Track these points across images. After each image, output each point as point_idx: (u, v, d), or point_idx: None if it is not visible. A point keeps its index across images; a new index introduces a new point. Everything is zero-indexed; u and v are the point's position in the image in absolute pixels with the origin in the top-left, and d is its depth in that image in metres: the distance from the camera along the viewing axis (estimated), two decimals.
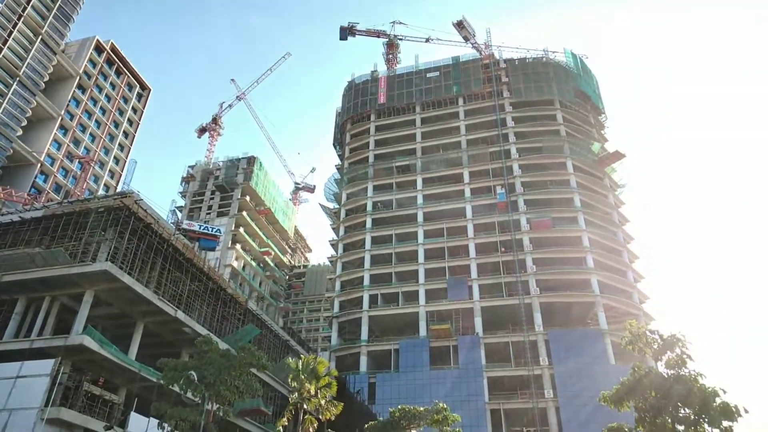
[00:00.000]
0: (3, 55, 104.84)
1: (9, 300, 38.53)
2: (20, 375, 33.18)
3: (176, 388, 26.70)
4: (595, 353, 62.17)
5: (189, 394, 26.69)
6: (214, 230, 73.92)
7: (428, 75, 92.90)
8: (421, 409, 35.21)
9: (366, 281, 76.96)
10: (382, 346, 71.42)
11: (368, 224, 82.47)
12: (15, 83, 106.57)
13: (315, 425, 36.32)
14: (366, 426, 34.49)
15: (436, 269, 75.23)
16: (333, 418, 34.76)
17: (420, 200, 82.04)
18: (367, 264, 78.64)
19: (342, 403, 35.37)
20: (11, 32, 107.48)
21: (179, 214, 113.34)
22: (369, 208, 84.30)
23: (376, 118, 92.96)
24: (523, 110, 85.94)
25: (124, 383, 38.64)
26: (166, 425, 24.82)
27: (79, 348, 34.20)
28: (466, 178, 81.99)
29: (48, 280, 36.59)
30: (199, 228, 72.30)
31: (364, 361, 70.08)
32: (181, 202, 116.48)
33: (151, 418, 33.64)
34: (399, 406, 36.03)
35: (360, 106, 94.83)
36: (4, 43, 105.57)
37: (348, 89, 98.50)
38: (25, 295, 37.94)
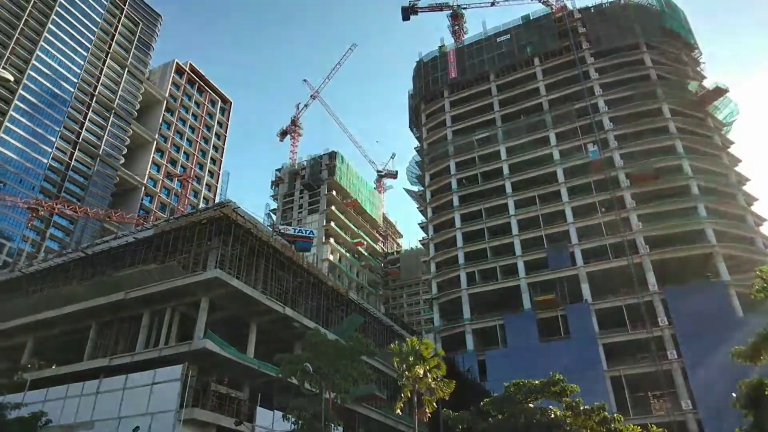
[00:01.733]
0: (98, 92, 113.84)
1: (135, 315, 41.84)
2: (155, 382, 35.96)
3: (294, 381, 27.70)
4: (719, 307, 57.45)
5: (306, 385, 27.62)
6: (308, 232, 76.73)
7: (498, 40, 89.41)
8: (536, 382, 34.09)
9: (461, 260, 76.06)
10: (487, 322, 70.39)
11: (455, 202, 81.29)
12: (111, 116, 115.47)
13: (432, 406, 36.46)
14: (481, 403, 33.95)
15: (532, 239, 72.80)
16: (447, 398, 34.59)
17: (506, 170, 79.52)
18: (459, 242, 77.66)
19: (454, 381, 35.08)
20: (102, 69, 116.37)
21: (273, 217, 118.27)
22: (454, 186, 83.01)
23: (450, 93, 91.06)
24: (606, 60, 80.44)
25: (247, 380, 40.76)
26: (290, 416, 25.82)
27: (202, 352, 36.48)
28: (553, 140, 78.35)
29: (166, 292, 39.24)
30: (294, 231, 75.12)
31: (470, 339, 69.51)
32: (273, 205, 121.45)
33: (276, 411, 35.34)
34: (513, 381, 35.09)
35: (431, 84, 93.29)
36: (98, 81, 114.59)
37: (417, 69, 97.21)
38: (148, 309, 40.95)
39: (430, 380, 33.52)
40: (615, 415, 31.13)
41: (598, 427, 28.74)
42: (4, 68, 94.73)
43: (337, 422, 28.91)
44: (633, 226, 67.01)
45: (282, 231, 74.47)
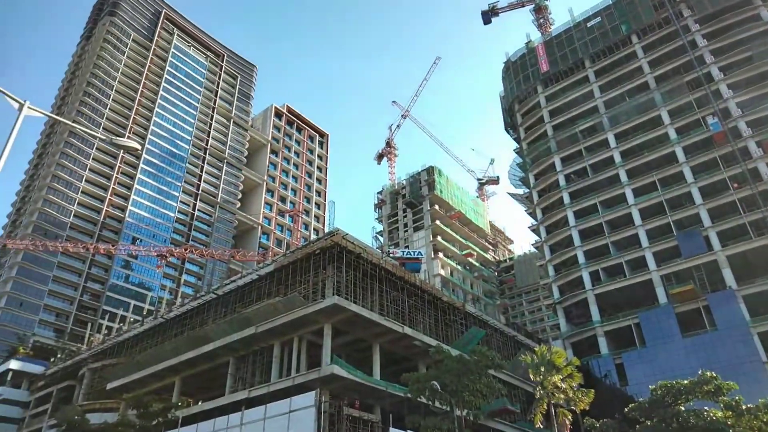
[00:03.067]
0: (210, 145, 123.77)
1: (267, 347, 44.04)
2: (292, 410, 37.41)
3: (423, 399, 27.43)
4: None
5: (436, 403, 27.21)
6: (416, 253, 77.69)
7: (589, 25, 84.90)
8: (685, 382, 30.99)
9: (581, 259, 72.00)
10: (619, 323, 65.65)
11: (566, 200, 77.43)
12: (224, 165, 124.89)
13: (569, 417, 34.40)
14: (626, 409, 31.46)
15: (659, 227, 67.21)
16: (587, 408, 32.49)
17: (618, 158, 74.52)
18: (576, 241, 73.65)
19: (592, 390, 32.89)
20: (210, 124, 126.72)
21: (381, 239, 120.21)
22: (562, 183, 79.19)
23: (544, 88, 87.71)
24: (713, 23, 73.35)
25: (377, 402, 41.15)
26: None
27: (330, 377, 37.45)
28: (666, 118, 72.35)
29: (292, 322, 40.95)
30: (402, 254, 75.86)
31: (602, 342, 65.20)
32: (379, 227, 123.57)
33: None
34: (659, 383, 32.18)
35: (523, 82, 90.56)
36: (208, 135, 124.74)
37: (506, 70, 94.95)
38: (278, 339, 42.93)
39: (567, 390, 31.70)
40: None
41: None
42: (128, 138, 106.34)
43: None
44: None
45: (391, 254, 75.51)
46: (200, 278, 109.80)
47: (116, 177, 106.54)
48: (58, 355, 79.36)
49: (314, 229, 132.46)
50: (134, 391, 51.37)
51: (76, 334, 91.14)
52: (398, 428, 38.13)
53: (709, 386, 30.15)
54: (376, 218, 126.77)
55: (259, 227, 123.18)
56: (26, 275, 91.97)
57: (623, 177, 72.73)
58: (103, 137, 17.68)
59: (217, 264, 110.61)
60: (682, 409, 29.64)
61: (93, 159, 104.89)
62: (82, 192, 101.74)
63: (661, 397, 31.03)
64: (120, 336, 65.23)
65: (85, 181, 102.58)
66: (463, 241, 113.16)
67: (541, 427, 38.19)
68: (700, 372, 32.45)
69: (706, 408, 29.62)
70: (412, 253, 77.89)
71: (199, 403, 50.37)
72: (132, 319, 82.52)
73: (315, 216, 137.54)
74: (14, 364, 77.02)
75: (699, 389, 30.42)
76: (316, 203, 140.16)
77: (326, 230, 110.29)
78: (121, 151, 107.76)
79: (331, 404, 37.57)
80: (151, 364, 51.03)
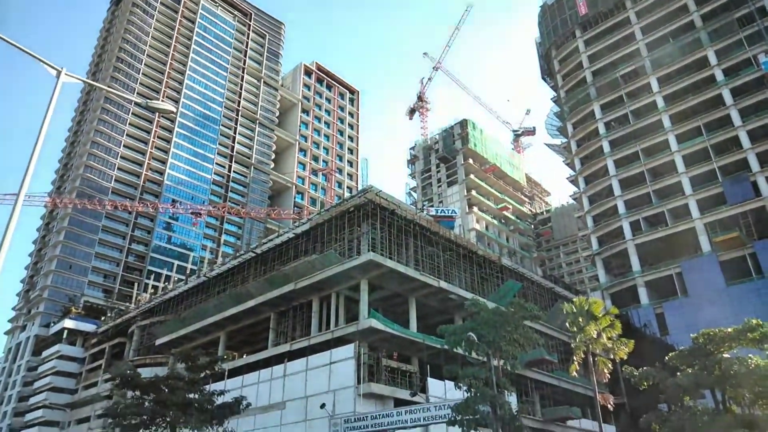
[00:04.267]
0: (242, 107, 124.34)
1: (306, 302, 45.10)
2: (332, 361, 38.55)
3: (460, 350, 27.74)
4: None
5: (473, 354, 27.48)
6: (450, 212, 77.29)
7: None
8: (729, 329, 30.32)
9: (621, 209, 70.30)
10: (660, 272, 64.41)
11: (606, 148, 75.06)
12: (257, 126, 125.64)
13: (608, 366, 34.32)
14: (666, 357, 31.12)
15: (703, 174, 64.73)
16: (625, 357, 32.31)
17: (661, 103, 71.35)
18: (616, 191, 71.73)
19: (631, 340, 32.59)
20: (241, 85, 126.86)
21: (414, 195, 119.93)
22: (602, 131, 76.60)
23: (582, 32, 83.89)
24: None
25: (414, 354, 41.96)
26: (461, 385, 25.92)
27: (368, 330, 38.21)
28: (713, 59, 68.46)
29: (329, 279, 41.68)
30: (436, 212, 75.47)
31: (643, 292, 64.28)
32: (412, 183, 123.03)
33: (446, 381, 35.85)
34: (701, 331, 31.59)
35: (560, 26, 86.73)
36: (240, 96, 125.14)
37: (542, 14, 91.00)
38: (316, 295, 43.89)
39: (605, 340, 31.50)
40: None
41: None
42: (162, 101, 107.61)
43: (510, 388, 28.36)
44: None
45: (425, 212, 75.49)
46: (239, 238, 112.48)
47: (153, 141, 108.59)
48: (108, 314, 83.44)
49: (348, 187, 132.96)
50: (182, 346, 53.70)
51: (123, 294, 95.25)
52: (436, 378, 38.92)
53: (754, 334, 29.40)
54: (410, 174, 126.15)
55: (293, 187, 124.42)
56: (74, 239, 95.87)
57: (666, 122, 69.85)
58: (139, 101, 17.88)
59: (255, 224, 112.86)
60: (725, 356, 29.12)
61: (130, 124, 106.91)
62: (121, 157, 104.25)
63: (703, 345, 30.52)
64: (165, 295, 67.78)
65: (124, 146, 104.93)
66: (499, 194, 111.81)
67: (578, 376, 38.34)
68: (744, 320, 31.70)
69: (750, 355, 29.01)
70: (446, 211, 77.52)
71: (244, 357, 52.40)
72: (176, 279, 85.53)
73: (348, 174, 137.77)
74: (68, 323, 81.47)
75: (743, 337, 29.74)
76: (348, 161, 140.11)
77: (360, 188, 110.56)
78: (157, 115, 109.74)
79: (370, 356, 38.48)
80: (196, 320, 53.11)
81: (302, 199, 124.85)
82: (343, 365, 37.70)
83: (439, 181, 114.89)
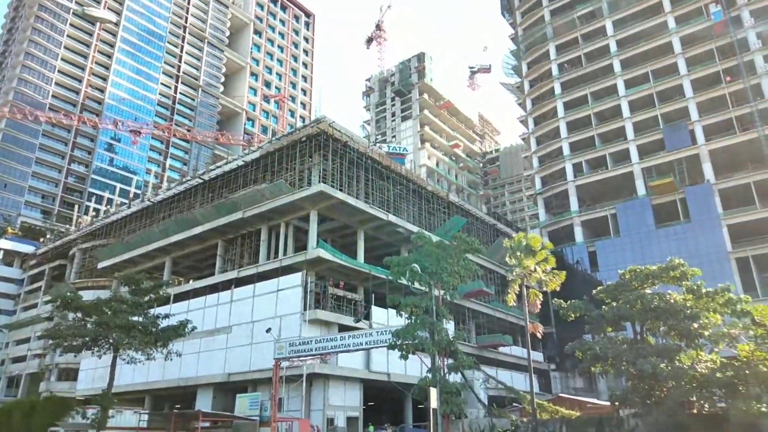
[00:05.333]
0: (189, 23, 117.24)
1: (254, 231, 45.19)
2: (280, 288, 39.41)
3: (403, 281, 28.90)
4: None
5: (416, 284, 28.72)
6: (401, 149, 78.10)
7: None
8: (653, 267, 32.61)
9: (566, 151, 72.41)
10: (596, 213, 67.72)
11: (557, 90, 76.12)
12: (205, 45, 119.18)
13: (540, 298, 36.63)
14: (594, 291, 33.43)
15: (646, 120, 67.03)
16: (557, 289, 34.45)
17: (614, 47, 72.28)
18: (563, 133, 73.56)
19: (563, 273, 34.65)
20: (189, 0, 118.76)
21: (368, 128, 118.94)
22: (555, 72, 77.33)
23: None
24: None
25: (360, 283, 43.33)
26: (402, 313, 27.25)
27: (316, 260, 39.05)
28: (668, 6, 69.21)
29: (278, 208, 41.76)
30: (389, 149, 75.52)
31: (578, 231, 67.66)
32: (367, 116, 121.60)
33: (389, 309, 37.51)
34: (628, 267, 33.86)
35: None
36: (187, 12, 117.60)
37: None
38: (265, 224, 44.02)
39: (539, 273, 33.34)
40: (742, 296, 29.25)
41: (722, 309, 27.23)
42: (103, 11, 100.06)
43: (448, 316, 30.02)
44: (765, 93, 59.28)
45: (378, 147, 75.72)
46: (185, 163, 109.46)
47: (93, 56, 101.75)
48: (48, 236, 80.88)
49: (300, 117, 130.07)
50: (125, 270, 53.21)
51: (63, 215, 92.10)
52: (380, 306, 40.60)
53: (675, 272, 31.59)
54: (364, 107, 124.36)
55: (244, 113, 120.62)
56: (8, 157, 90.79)
57: (617, 67, 71.18)
58: (76, 10, 16.69)
59: (202, 149, 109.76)
60: (647, 292, 31.39)
61: (68, 36, 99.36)
62: (59, 71, 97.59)
63: (629, 281, 32.69)
64: (108, 218, 66.12)
65: (61, 59, 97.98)
66: (451, 131, 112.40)
67: (513, 305, 40.78)
68: (668, 259, 34.19)
69: (669, 292, 31.46)
70: (397, 149, 77.88)
71: (191, 282, 52.60)
72: (119, 202, 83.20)
73: (301, 103, 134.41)
74: (5, 244, 78.72)
75: (665, 274, 31.93)
76: (302, 89, 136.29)
77: (313, 118, 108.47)
78: (98, 26, 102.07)
79: (317, 284, 39.50)
80: (140, 245, 52.45)
81: (253, 126, 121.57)
82: (290, 293, 38.64)
83: (393, 115, 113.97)
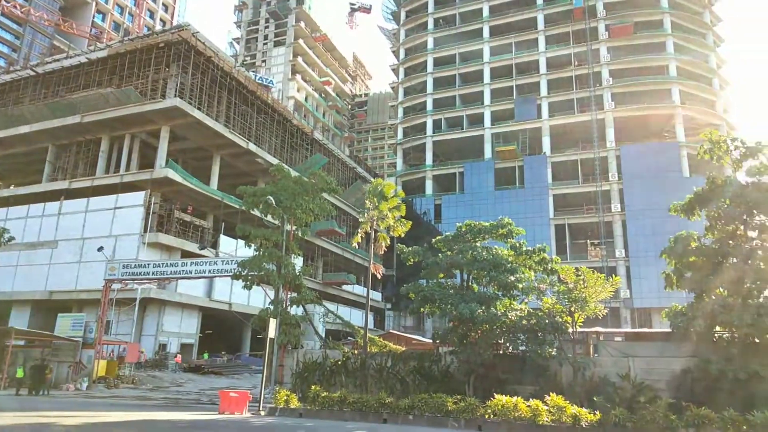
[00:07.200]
0: None
1: (94, 139, 41.09)
2: (117, 206, 36.71)
3: (257, 213, 28.70)
4: (668, 167, 60.18)
5: (269, 218, 28.70)
6: (268, 81, 75.56)
7: None
8: (486, 224, 36.06)
9: (429, 106, 75.41)
10: (447, 169, 72.25)
11: (430, 44, 78.08)
12: None
13: (387, 242, 38.80)
14: (433, 240, 36.16)
15: (503, 89, 72.02)
16: (403, 236, 36.68)
17: (486, 12, 75.58)
18: (429, 88, 76.25)
19: (410, 222, 36.92)
20: None
21: (237, 46, 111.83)
22: (430, 26, 79.03)
23: None
24: None
25: (211, 210, 42.05)
26: (252, 244, 27.21)
27: (164, 180, 36.89)
28: None
29: (125, 118, 38.33)
30: (255, 78, 72.34)
31: (429, 185, 71.80)
32: (237, 33, 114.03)
33: (239, 240, 37.08)
34: (465, 222, 37.05)
35: None
36: None
37: None
38: (107, 134, 40.25)
39: (390, 219, 35.04)
40: (554, 257, 33.82)
41: (537, 266, 31.18)
42: None
43: (297, 252, 30.59)
44: (604, 81, 66.71)
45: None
46: (15, 50, 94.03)
47: None
48: None
49: (161, 20, 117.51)
50: None
51: None
52: (229, 236, 39.88)
53: (503, 230, 35.02)
54: (235, 22, 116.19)
55: (94, 2, 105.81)
56: None
57: (486, 33, 74.72)
58: None
59: (38, 36, 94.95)
60: (478, 245, 34.56)
61: None
62: None
63: (464, 234, 35.66)
64: None
65: None
66: (324, 67, 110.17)
67: (357, 247, 42.69)
68: (499, 218, 37.97)
69: (496, 247, 34.99)
70: (263, 80, 74.83)
71: (11, 187, 46.73)
72: None
73: (163, 4, 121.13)
74: None
75: (495, 231, 35.28)
76: None
77: (175, 23, 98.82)
78: None
79: (162, 206, 37.54)
80: None
81: (103, 21, 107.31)
82: (130, 212, 36.29)
83: (266, 38, 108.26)
